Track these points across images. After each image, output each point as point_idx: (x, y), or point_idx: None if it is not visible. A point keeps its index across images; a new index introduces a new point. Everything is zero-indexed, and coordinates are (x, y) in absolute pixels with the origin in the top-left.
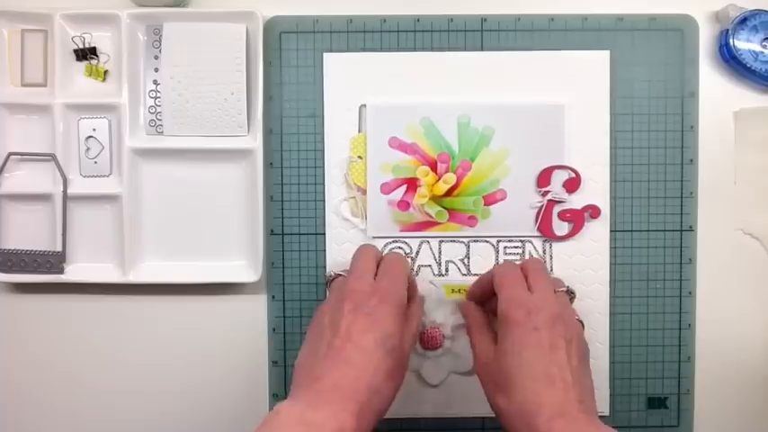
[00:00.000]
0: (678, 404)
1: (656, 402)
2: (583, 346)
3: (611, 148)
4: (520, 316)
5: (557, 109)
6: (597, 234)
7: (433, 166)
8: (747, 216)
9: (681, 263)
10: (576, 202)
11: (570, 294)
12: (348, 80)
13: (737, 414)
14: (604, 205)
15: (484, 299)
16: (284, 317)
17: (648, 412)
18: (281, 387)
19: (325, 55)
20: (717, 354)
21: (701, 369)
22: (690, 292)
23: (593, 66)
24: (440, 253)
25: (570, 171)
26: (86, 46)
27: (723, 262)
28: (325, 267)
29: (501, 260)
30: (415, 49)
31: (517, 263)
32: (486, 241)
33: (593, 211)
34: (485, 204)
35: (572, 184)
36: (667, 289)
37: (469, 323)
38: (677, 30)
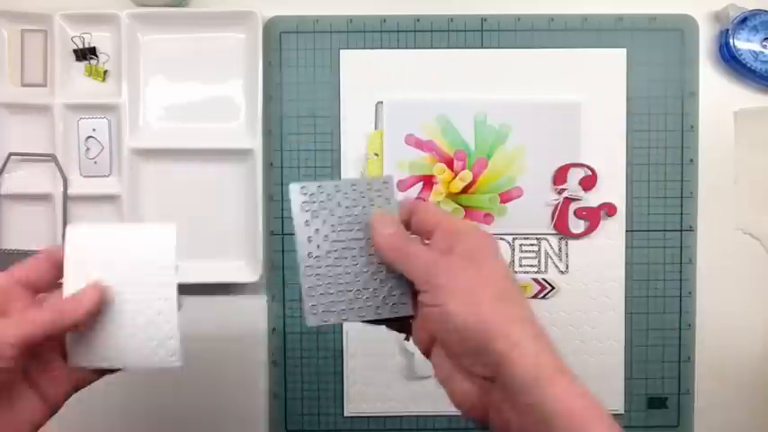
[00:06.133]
0: (678, 404)
1: (656, 402)
2: None
3: (627, 147)
4: None
5: (573, 107)
6: (613, 232)
7: (450, 164)
8: (747, 216)
9: (681, 263)
10: (593, 199)
11: None
12: (364, 77)
13: (737, 414)
14: (620, 203)
15: None
16: (284, 317)
17: (648, 412)
18: (281, 387)
19: (341, 52)
20: (717, 354)
21: (701, 369)
22: (690, 292)
23: (609, 64)
24: None
25: (586, 169)
26: (86, 46)
27: (723, 262)
28: None
29: (517, 258)
30: (416, 48)
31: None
32: (502, 239)
33: (610, 209)
34: (501, 202)
35: (588, 182)
36: (667, 289)
37: None
38: (677, 30)
